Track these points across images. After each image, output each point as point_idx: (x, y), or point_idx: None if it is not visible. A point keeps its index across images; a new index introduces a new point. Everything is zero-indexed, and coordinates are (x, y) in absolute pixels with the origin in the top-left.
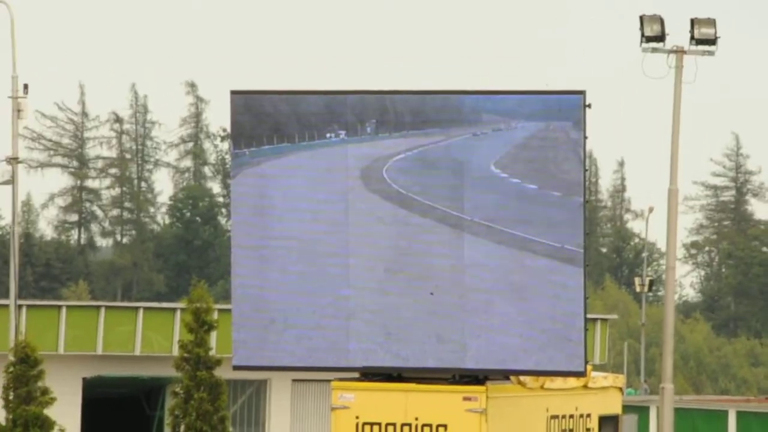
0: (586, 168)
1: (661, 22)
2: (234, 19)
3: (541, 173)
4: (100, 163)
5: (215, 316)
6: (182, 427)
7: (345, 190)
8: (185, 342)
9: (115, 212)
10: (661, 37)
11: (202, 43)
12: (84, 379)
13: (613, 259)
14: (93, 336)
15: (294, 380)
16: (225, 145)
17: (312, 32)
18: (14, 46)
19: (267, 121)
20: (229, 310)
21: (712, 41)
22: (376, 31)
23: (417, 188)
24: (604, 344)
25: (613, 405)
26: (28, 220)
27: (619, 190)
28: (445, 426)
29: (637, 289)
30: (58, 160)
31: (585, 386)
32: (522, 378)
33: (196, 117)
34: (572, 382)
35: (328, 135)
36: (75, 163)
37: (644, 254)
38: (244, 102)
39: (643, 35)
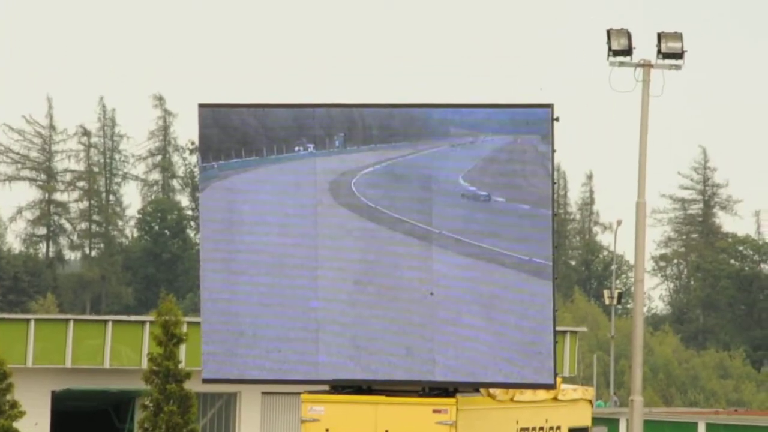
0: (555, 181)
1: (628, 36)
2: (201, 33)
3: (509, 186)
4: (68, 177)
5: (184, 329)
6: None
7: (314, 203)
8: (154, 355)
9: (83, 225)
10: (628, 51)
11: (169, 56)
12: (53, 392)
13: (582, 272)
14: (62, 349)
15: (264, 393)
16: (193, 159)
17: (280, 45)
18: None
19: (235, 134)
20: (198, 323)
21: (679, 55)
22: (348, 44)
23: (385, 201)
24: (573, 357)
25: (582, 417)
26: None
27: (588, 203)
28: None
29: (606, 302)
30: (26, 173)
31: (555, 398)
32: (492, 390)
33: (164, 130)
34: (542, 394)
35: (296, 149)
36: (43, 177)
37: (613, 267)
38: (211, 115)
39: (610, 49)
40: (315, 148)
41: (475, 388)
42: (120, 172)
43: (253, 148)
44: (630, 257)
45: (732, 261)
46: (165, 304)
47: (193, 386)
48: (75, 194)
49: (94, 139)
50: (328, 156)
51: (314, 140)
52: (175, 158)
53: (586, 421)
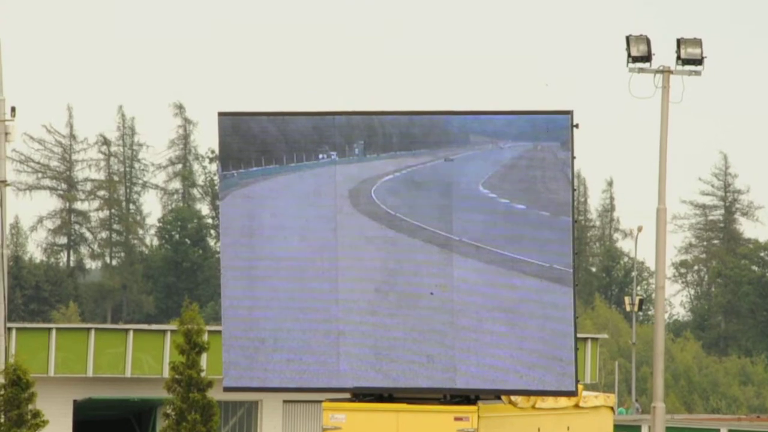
0: (575, 188)
1: (648, 42)
2: (221, 41)
3: (529, 193)
4: (88, 186)
5: (206, 337)
6: None
7: (334, 211)
8: (177, 364)
9: (103, 234)
10: (647, 57)
11: (189, 65)
12: (75, 401)
13: (603, 279)
14: (83, 358)
15: (285, 401)
16: (213, 167)
17: (300, 53)
18: (1, 69)
19: (255, 142)
20: (219, 332)
21: (698, 61)
22: (368, 52)
23: (405, 209)
24: (594, 363)
25: (604, 424)
26: (17, 243)
27: (608, 210)
28: None
29: (627, 309)
30: (47, 182)
31: (576, 406)
32: (513, 398)
33: (185, 139)
34: (563, 401)
35: (320, 156)
36: (63, 186)
37: (634, 273)
38: (231, 123)
39: (629, 55)
40: (335, 155)
41: (496, 395)
42: (140, 181)
43: (273, 156)
44: (651, 264)
45: (753, 267)
46: (187, 312)
47: (214, 395)
48: (95, 203)
49: (114, 148)
50: (347, 164)
51: (334, 148)
52: (195, 167)
53: (608, 428)
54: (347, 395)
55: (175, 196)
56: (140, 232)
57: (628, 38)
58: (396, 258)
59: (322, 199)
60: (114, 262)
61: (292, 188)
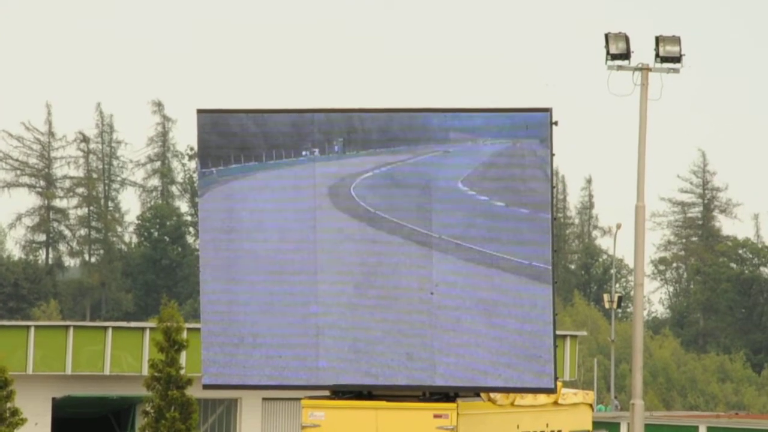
0: (554, 185)
1: (627, 39)
2: (200, 38)
3: (508, 190)
4: (67, 183)
5: (185, 335)
6: None
7: (313, 208)
8: (156, 361)
9: (82, 232)
10: (626, 55)
11: (168, 62)
12: (54, 399)
13: (582, 276)
14: (62, 356)
15: (264, 398)
16: (192, 164)
17: (279, 50)
18: None
19: (234, 140)
20: (198, 329)
21: (677, 59)
22: (348, 49)
23: (385, 206)
24: (573, 361)
25: (583, 421)
26: None
27: (587, 207)
28: None
29: (606, 306)
30: (25, 180)
31: (555, 403)
32: (492, 395)
33: (163, 136)
34: (542, 398)
35: (302, 153)
36: (42, 183)
37: (612, 271)
38: (210, 121)
39: (608, 53)
40: (318, 152)
41: (475, 392)
42: (119, 179)
43: (252, 153)
44: (630, 261)
45: (732, 264)
46: (167, 310)
47: (193, 392)
48: (74, 201)
49: (92, 146)
50: (327, 161)
51: (314, 145)
52: (174, 164)
53: (586, 425)
54: (327, 393)
55: (154, 194)
56: (119, 229)
57: (607, 36)
58: (375, 255)
59: (301, 196)
60: (93, 260)
61: (271, 185)
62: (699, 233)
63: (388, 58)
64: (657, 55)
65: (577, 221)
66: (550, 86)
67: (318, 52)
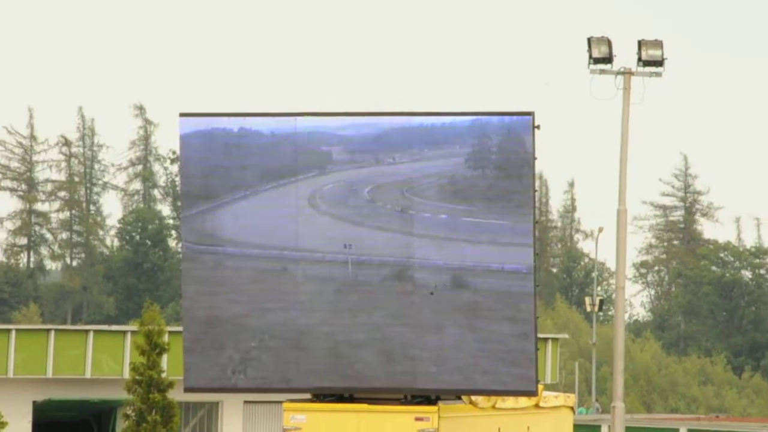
0: (536, 188)
1: (609, 43)
2: (182, 42)
3: (490, 193)
4: (49, 187)
5: (166, 338)
6: None
7: (295, 212)
8: (137, 364)
9: (64, 235)
10: (608, 59)
11: (150, 66)
12: (34, 402)
13: (564, 279)
14: (43, 359)
15: (246, 402)
16: (174, 168)
17: (261, 54)
18: None
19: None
20: (180, 333)
21: (659, 62)
22: (330, 53)
23: (367, 210)
24: (555, 364)
25: (564, 424)
26: None
27: (569, 211)
28: None
29: (588, 309)
30: (7, 183)
31: (536, 405)
32: (474, 398)
33: (145, 140)
34: (524, 401)
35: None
36: (24, 187)
37: (594, 274)
38: (193, 124)
39: (590, 57)
40: (299, 158)
41: (457, 395)
42: (101, 182)
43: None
44: (611, 264)
45: (713, 268)
46: (148, 313)
47: (175, 395)
48: (56, 204)
49: (74, 149)
50: (309, 167)
51: (296, 149)
52: (156, 167)
53: (568, 428)
54: (308, 396)
55: (136, 197)
56: (101, 233)
57: (589, 40)
58: (357, 259)
59: (283, 200)
60: (74, 263)
61: (253, 188)
62: (680, 237)
63: (367, 63)
64: (639, 59)
65: (559, 224)
66: (548, 85)
67: (299, 55)
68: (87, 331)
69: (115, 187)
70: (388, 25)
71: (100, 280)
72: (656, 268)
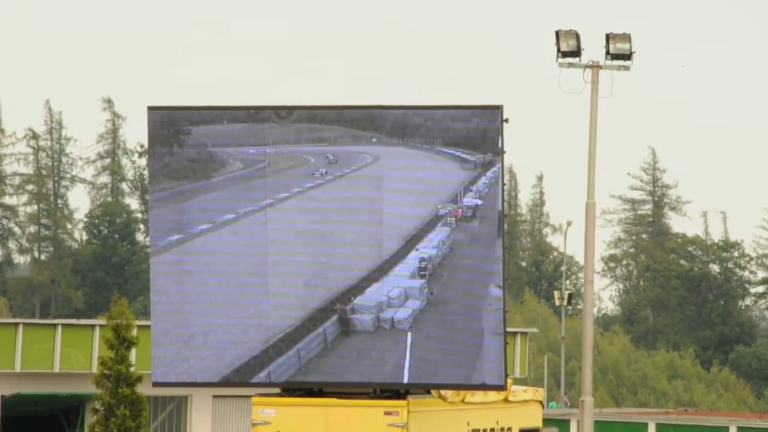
0: (504, 182)
1: (577, 37)
2: (150, 35)
3: (458, 187)
4: (16, 180)
5: (135, 332)
6: None
7: (264, 205)
8: (105, 359)
9: (32, 229)
10: (577, 52)
11: (118, 59)
12: (2, 396)
13: (533, 273)
14: (11, 353)
15: (215, 396)
16: (142, 162)
17: (231, 47)
18: None
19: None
20: (148, 327)
21: (627, 56)
22: (305, 45)
23: (336, 203)
24: (524, 358)
25: (533, 418)
26: None
27: (538, 204)
28: None
29: (557, 303)
30: None
31: (505, 400)
32: (443, 392)
33: (113, 133)
34: (493, 395)
35: (252, 151)
36: None
37: (563, 268)
38: (161, 118)
39: (559, 50)
40: (267, 148)
41: (426, 389)
42: (68, 176)
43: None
44: (580, 258)
45: (682, 261)
46: (116, 307)
47: (143, 390)
48: (24, 198)
49: (42, 143)
50: (277, 160)
51: (266, 141)
52: (124, 161)
53: (537, 422)
54: (277, 390)
55: (104, 191)
56: (69, 226)
57: (557, 33)
58: (326, 252)
59: (252, 193)
60: (42, 257)
61: (222, 181)
62: (649, 230)
63: (343, 56)
64: (607, 53)
65: (528, 218)
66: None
67: (272, 49)
68: (55, 325)
69: (83, 181)
70: (359, 16)
71: (69, 273)
72: (625, 261)
